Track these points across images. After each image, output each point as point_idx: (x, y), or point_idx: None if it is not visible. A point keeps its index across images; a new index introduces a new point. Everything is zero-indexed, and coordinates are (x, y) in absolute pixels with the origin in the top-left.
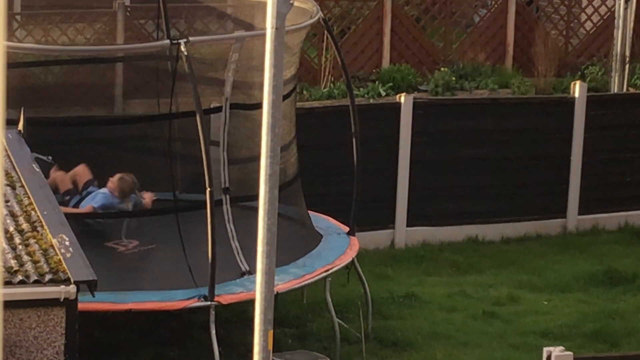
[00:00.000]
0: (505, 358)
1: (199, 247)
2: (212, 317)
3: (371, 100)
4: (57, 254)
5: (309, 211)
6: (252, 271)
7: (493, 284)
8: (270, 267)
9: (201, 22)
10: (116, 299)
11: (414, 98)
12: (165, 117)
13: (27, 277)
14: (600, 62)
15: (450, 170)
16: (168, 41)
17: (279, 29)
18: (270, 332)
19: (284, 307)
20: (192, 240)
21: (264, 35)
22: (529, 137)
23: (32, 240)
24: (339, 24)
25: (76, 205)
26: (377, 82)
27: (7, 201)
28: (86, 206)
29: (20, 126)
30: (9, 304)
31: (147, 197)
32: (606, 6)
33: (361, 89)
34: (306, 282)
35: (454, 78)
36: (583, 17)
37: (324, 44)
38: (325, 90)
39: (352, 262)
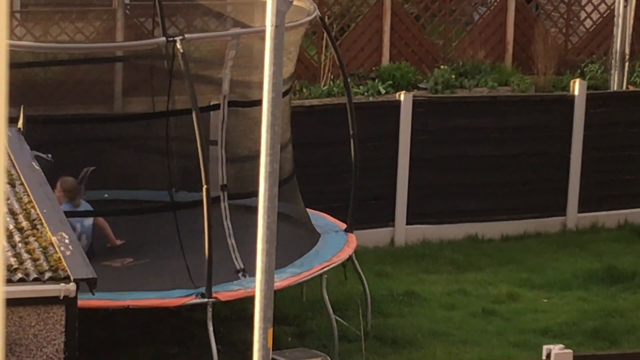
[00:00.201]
0: (504, 356)
1: (196, 244)
2: (210, 314)
3: (371, 98)
4: (56, 252)
5: (308, 209)
6: (247, 269)
7: (493, 281)
8: (270, 266)
9: (201, 20)
10: (115, 296)
11: (414, 96)
12: (162, 114)
13: (27, 275)
14: (600, 60)
15: (450, 168)
16: (164, 38)
17: (278, 27)
18: (270, 330)
19: (283, 305)
20: (189, 238)
21: (260, 32)
22: (529, 135)
23: (31, 238)
24: (338, 22)
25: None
26: (376, 80)
27: (7, 199)
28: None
29: (20, 124)
30: (9, 302)
31: (118, 242)
32: (606, 4)
33: (361, 87)
34: (304, 279)
35: (453, 76)
36: (583, 15)
37: (324, 41)
38: (324, 88)
39: (350, 258)
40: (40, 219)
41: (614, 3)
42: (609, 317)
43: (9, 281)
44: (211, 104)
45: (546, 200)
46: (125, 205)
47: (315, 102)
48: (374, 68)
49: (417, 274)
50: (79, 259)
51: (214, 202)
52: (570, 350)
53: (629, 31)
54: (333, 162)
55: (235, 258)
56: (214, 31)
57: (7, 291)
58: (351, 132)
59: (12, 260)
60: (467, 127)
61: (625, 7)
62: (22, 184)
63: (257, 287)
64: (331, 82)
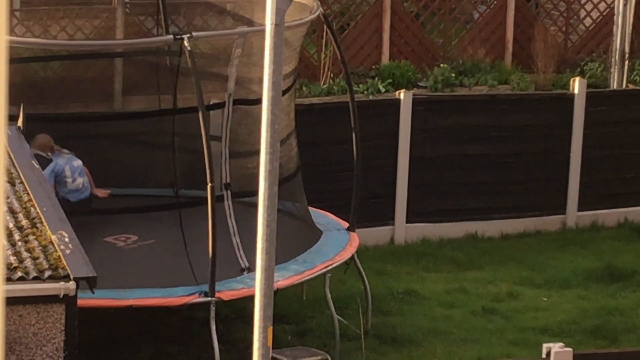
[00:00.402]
0: (504, 354)
1: (200, 242)
2: (213, 314)
3: (370, 97)
4: (56, 251)
5: (309, 207)
6: (252, 267)
7: (492, 280)
8: (270, 264)
9: (201, 18)
10: (117, 295)
11: (414, 94)
12: (167, 112)
13: (27, 273)
14: (600, 58)
15: (449, 166)
16: (171, 36)
17: (278, 25)
18: (270, 329)
19: (283, 304)
20: (193, 236)
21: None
22: (529, 134)
23: (31, 237)
24: (338, 20)
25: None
26: (376, 79)
27: (6, 197)
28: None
29: (20, 122)
30: (9, 301)
31: (100, 193)
32: (605, 2)
33: (360, 85)
34: (306, 278)
35: (453, 74)
36: (582, 13)
37: (323, 40)
38: (324, 86)
39: (352, 258)
40: (40, 218)
41: (613, 1)
42: (609, 316)
43: (8, 280)
44: (211, 102)
45: (546, 198)
46: (129, 202)
47: (315, 100)
48: (373, 66)
49: (417, 273)
50: (79, 258)
51: (217, 200)
52: (570, 349)
53: (628, 29)
54: (333, 161)
55: (240, 257)
56: (214, 29)
57: (7, 290)
58: (353, 126)
59: (12, 259)
60: (467, 126)
61: (625, 5)
62: (21, 182)
63: (257, 285)
64: (331, 81)
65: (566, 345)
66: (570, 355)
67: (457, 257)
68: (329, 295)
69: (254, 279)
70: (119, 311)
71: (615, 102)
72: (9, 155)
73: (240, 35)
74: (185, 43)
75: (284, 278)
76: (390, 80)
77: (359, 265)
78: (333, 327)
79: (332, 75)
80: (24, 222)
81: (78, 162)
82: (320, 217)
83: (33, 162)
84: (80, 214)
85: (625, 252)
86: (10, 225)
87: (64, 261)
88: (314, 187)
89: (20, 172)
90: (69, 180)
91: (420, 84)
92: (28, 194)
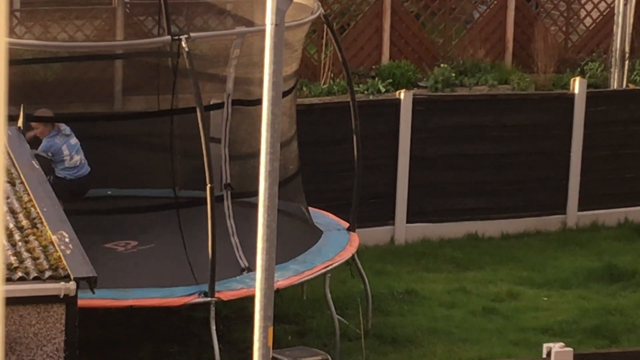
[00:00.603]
0: (505, 354)
1: (200, 243)
2: (213, 314)
3: (371, 97)
4: (56, 251)
5: (309, 207)
6: (251, 268)
7: (493, 280)
8: (270, 264)
9: (201, 18)
10: (117, 295)
11: (414, 94)
12: (166, 113)
13: (27, 273)
14: (600, 58)
15: (450, 166)
16: (169, 37)
17: (278, 26)
18: (270, 329)
19: (283, 304)
20: (192, 237)
21: (264, 31)
22: (529, 133)
23: (31, 237)
24: (338, 21)
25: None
26: (376, 79)
27: (6, 198)
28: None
29: (20, 123)
30: (9, 301)
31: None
32: (606, 2)
33: (361, 85)
34: (306, 278)
35: (453, 74)
36: (582, 13)
37: (324, 40)
38: (324, 86)
39: (352, 258)
40: (40, 218)
41: (614, 1)
42: (609, 316)
43: (9, 280)
44: (211, 102)
45: (546, 198)
46: (128, 203)
47: (315, 100)
48: (374, 66)
49: (418, 273)
50: (79, 258)
51: (217, 200)
52: (570, 349)
53: (629, 29)
54: (333, 161)
55: (240, 257)
56: (214, 30)
57: (7, 290)
58: (353, 126)
59: (12, 259)
60: (467, 126)
61: (625, 5)
62: (22, 182)
63: (258, 285)
64: (331, 81)
65: (566, 345)
66: (571, 355)
67: (458, 257)
68: (329, 295)
69: (253, 279)
70: (119, 311)
71: (616, 102)
72: (9, 155)
73: (238, 36)
74: (183, 44)
75: (284, 278)
76: (391, 80)
77: (359, 265)
78: (333, 327)
79: (332, 75)
80: (25, 223)
81: (75, 140)
82: (321, 217)
83: (33, 162)
84: (78, 193)
85: (626, 252)
86: (11, 225)
87: (64, 261)
88: (314, 187)
89: (20, 172)
90: (67, 158)
91: (421, 84)
92: (28, 194)
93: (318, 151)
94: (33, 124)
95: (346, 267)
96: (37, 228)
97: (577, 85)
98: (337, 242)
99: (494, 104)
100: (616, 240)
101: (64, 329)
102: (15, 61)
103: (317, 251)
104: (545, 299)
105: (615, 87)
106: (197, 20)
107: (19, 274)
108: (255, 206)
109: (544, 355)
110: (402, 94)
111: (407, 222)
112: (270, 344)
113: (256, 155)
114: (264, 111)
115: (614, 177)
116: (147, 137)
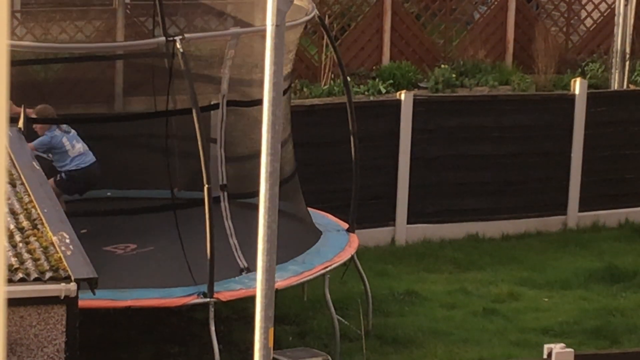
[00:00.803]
0: (505, 355)
1: (198, 244)
2: (212, 314)
3: (371, 98)
4: (57, 252)
5: (309, 208)
6: (250, 268)
7: (493, 280)
8: (271, 265)
9: (201, 19)
10: (116, 296)
11: (414, 95)
12: (163, 114)
13: (28, 275)
14: (601, 59)
15: (450, 167)
16: (164, 38)
17: (279, 26)
18: (271, 330)
19: (284, 305)
20: (190, 238)
21: (259, 32)
22: (529, 134)
23: (32, 238)
24: (339, 21)
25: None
26: (377, 79)
27: (7, 199)
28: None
29: (21, 124)
30: (10, 302)
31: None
32: (606, 3)
33: (361, 86)
34: (305, 279)
35: (454, 75)
36: (583, 14)
37: (324, 41)
38: (325, 87)
39: (352, 259)
40: (41, 219)
41: (614, 2)
42: (610, 316)
43: (9, 281)
44: (212, 102)
45: (547, 199)
46: (126, 204)
47: (316, 101)
48: (374, 67)
49: (418, 273)
50: (80, 259)
51: (214, 202)
52: (571, 350)
53: (629, 30)
54: (334, 162)
55: (238, 257)
56: (214, 30)
57: (8, 291)
58: (351, 128)
59: (13, 260)
60: (468, 126)
61: (625, 5)
62: (22, 183)
63: (258, 286)
64: (332, 82)
65: (567, 346)
66: (572, 356)
67: (458, 258)
68: (328, 296)
69: (252, 279)
70: (119, 312)
71: (616, 102)
72: (10, 156)
73: (233, 37)
74: (178, 45)
75: (283, 279)
76: (391, 81)
77: (359, 266)
78: (334, 328)
79: (332, 76)
80: (25, 224)
81: (72, 132)
82: (320, 218)
83: (34, 163)
84: (93, 182)
85: (626, 252)
86: (11, 226)
87: (64, 262)
88: (314, 187)
89: (21, 174)
90: (69, 148)
91: (421, 84)
92: (29, 195)
93: (318, 152)
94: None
95: (346, 269)
96: (38, 229)
97: (577, 86)
98: (337, 243)
99: (494, 104)
100: (617, 240)
101: (64, 330)
102: (16, 62)
103: (316, 252)
104: (546, 299)
105: (615, 88)
106: (198, 22)
107: (20, 275)
108: (253, 207)
109: (545, 356)
110: (402, 95)
111: (408, 222)
112: (271, 344)
113: (252, 156)
114: (265, 112)
115: (615, 177)
116: (146, 138)
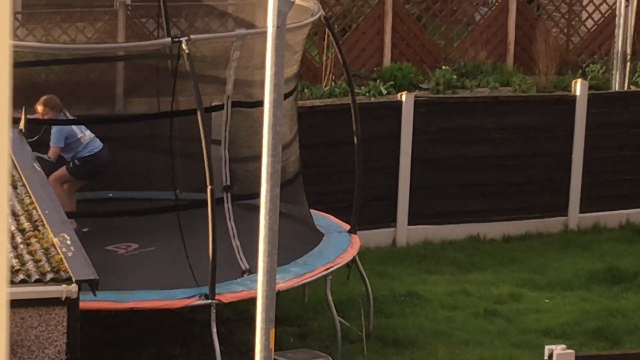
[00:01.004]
0: (506, 356)
1: (200, 245)
2: (213, 316)
3: (372, 99)
4: (58, 253)
5: (310, 209)
6: (252, 270)
7: (494, 282)
8: (272, 266)
9: (202, 20)
10: (117, 297)
11: (415, 96)
12: (167, 115)
13: (29, 276)
14: (602, 60)
15: (451, 168)
16: (169, 39)
17: (280, 28)
18: (272, 331)
19: (285, 306)
20: (193, 239)
21: (265, 33)
22: (530, 135)
23: (33, 240)
24: (340, 23)
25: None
26: (378, 81)
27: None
28: (52, 149)
29: (22, 125)
30: (11, 303)
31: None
32: (607, 4)
33: (362, 88)
34: (307, 281)
35: (455, 76)
36: (584, 15)
37: (325, 42)
38: (326, 88)
39: (354, 260)
40: (42, 220)
41: (615, 3)
42: (611, 318)
43: (10, 282)
44: (212, 104)
45: (548, 200)
46: (129, 205)
47: (317, 102)
48: (375, 68)
49: (419, 275)
50: (81, 260)
51: (217, 203)
52: (572, 351)
53: (630, 31)
54: (335, 163)
55: (240, 259)
56: (216, 31)
57: (9, 292)
58: (354, 129)
59: (14, 262)
60: (469, 128)
61: (626, 7)
62: (23, 185)
63: (259, 287)
64: (333, 83)
65: (568, 347)
66: (573, 357)
67: (459, 259)
68: (330, 298)
69: (254, 281)
70: (121, 313)
71: (617, 103)
72: (11, 158)
73: (238, 38)
74: (184, 46)
75: (284, 280)
76: (392, 82)
77: (361, 267)
78: (335, 329)
79: (333, 77)
80: (26, 225)
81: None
82: (322, 219)
83: (35, 164)
84: (104, 167)
85: (628, 253)
86: (12, 228)
87: (65, 264)
88: (315, 189)
89: (22, 175)
90: (81, 136)
91: (422, 86)
92: (30, 196)
93: (319, 153)
94: (41, 110)
95: (347, 270)
96: (39, 230)
97: (578, 87)
98: (338, 244)
99: (495, 105)
100: (618, 242)
101: (65, 331)
102: (17, 64)
103: (317, 253)
104: (547, 301)
105: (616, 89)
106: (199, 23)
107: (21, 276)
108: (255, 208)
109: (546, 357)
110: (403, 96)
111: (409, 224)
112: (272, 346)
113: (256, 157)
114: (265, 113)
115: (616, 179)
116: (148, 139)
